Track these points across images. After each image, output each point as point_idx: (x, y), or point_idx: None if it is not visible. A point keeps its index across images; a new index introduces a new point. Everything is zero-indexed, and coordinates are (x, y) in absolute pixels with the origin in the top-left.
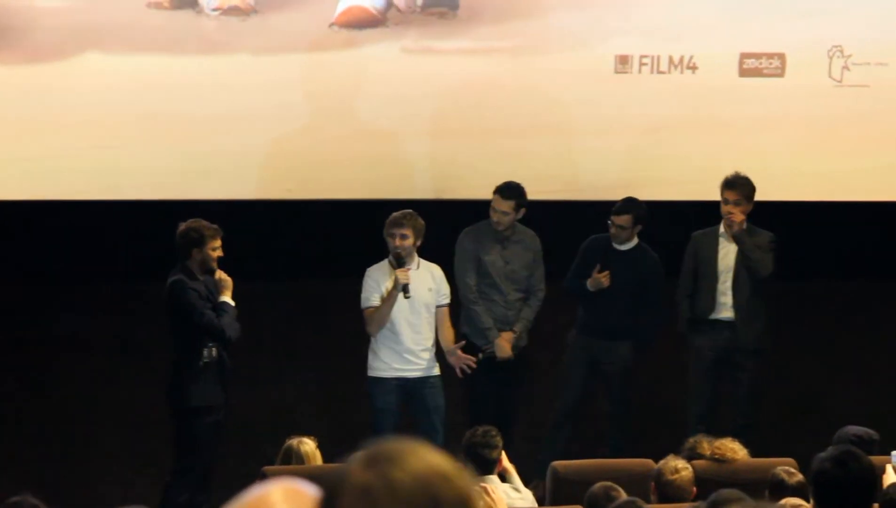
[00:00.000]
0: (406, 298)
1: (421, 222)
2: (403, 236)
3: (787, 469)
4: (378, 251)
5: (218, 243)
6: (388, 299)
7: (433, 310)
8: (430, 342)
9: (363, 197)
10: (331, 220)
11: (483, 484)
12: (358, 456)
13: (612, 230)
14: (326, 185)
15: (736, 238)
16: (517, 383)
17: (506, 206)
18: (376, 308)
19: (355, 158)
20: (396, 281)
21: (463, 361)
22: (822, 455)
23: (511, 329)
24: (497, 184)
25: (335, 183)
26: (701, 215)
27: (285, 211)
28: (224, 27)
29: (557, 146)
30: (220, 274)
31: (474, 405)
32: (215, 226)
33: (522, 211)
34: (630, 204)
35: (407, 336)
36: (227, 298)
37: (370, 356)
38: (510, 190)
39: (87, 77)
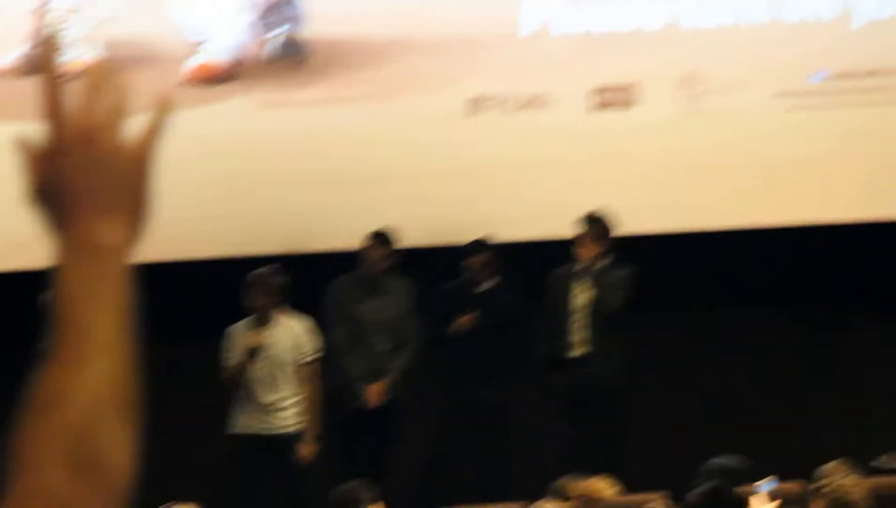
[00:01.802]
0: (251, 360)
1: (277, 280)
2: (260, 295)
3: (658, 503)
4: (242, 309)
5: None
6: (240, 361)
7: (291, 365)
8: (292, 398)
9: (226, 254)
10: (190, 279)
11: None
12: None
13: (470, 272)
14: (184, 243)
15: (578, 276)
16: (390, 433)
17: (378, 252)
18: (231, 369)
19: (213, 214)
20: (248, 345)
21: (305, 458)
22: (693, 492)
23: (381, 380)
24: (360, 232)
25: (193, 241)
26: (562, 250)
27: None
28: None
29: (415, 192)
30: None
31: (347, 458)
32: None
33: (395, 257)
34: (479, 244)
35: (266, 395)
36: None
37: (231, 415)
38: (382, 236)
39: None
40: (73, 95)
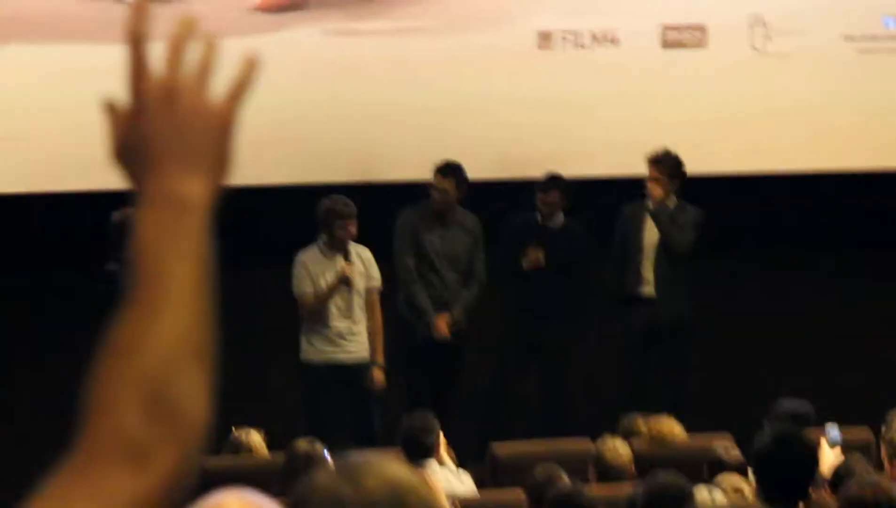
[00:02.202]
0: (347, 290)
1: (356, 210)
2: (352, 225)
3: (724, 445)
4: (306, 236)
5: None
6: (328, 292)
7: (363, 294)
8: (362, 326)
9: (291, 182)
10: (258, 205)
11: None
12: (326, 468)
13: (541, 208)
14: (253, 170)
15: (652, 214)
16: (455, 367)
17: (446, 184)
18: (313, 297)
19: (282, 143)
20: (341, 275)
21: (378, 384)
22: (762, 435)
23: (449, 312)
24: (426, 164)
25: (262, 168)
26: (630, 189)
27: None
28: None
29: (483, 125)
30: None
31: (411, 389)
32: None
33: (463, 190)
34: (556, 180)
35: (339, 321)
36: None
37: (302, 342)
38: (450, 168)
39: (8, 68)
40: (158, 54)
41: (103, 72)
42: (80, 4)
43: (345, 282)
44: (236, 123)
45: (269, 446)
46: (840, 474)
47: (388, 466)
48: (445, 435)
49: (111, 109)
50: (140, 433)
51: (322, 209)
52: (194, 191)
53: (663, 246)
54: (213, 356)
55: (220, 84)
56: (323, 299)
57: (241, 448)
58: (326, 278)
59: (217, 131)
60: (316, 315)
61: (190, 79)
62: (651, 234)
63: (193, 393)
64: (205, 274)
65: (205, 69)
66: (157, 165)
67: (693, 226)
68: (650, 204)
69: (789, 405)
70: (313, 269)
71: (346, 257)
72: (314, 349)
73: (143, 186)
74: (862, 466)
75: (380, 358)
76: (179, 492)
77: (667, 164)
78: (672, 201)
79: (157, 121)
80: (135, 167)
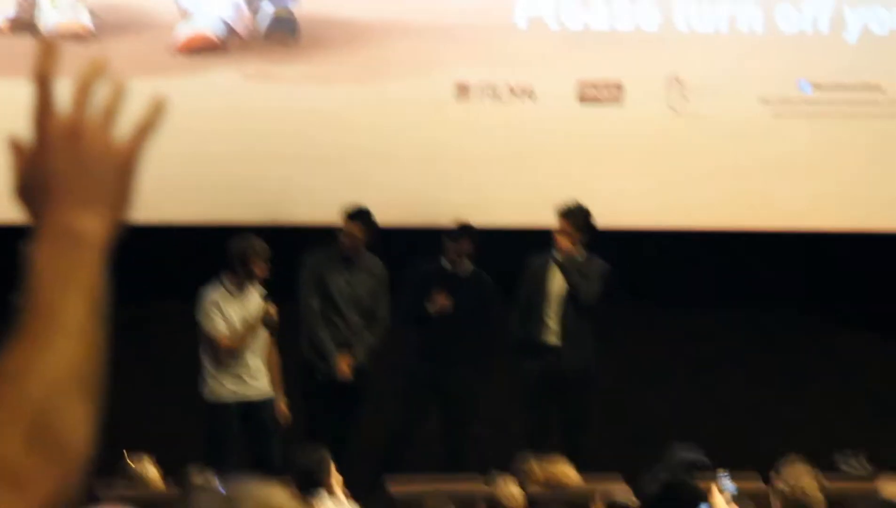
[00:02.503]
0: (271, 333)
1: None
2: (267, 262)
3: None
4: (208, 273)
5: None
6: (248, 331)
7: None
8: (264, 364)
9: (204, 219)
10: (168, 243)
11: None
12: (211, 492)
13: (450, 256)
14: (165, 208)
15: (560, 265)
16: (355, 407)
17: (355, 228)
18: (231, 338)
19: (196, 183)
20: (268, 319)
21: (285, 418)
22: (650, 481)
23: (351, 353)
24: (337, 208)
25: (174, 206)
26: (538, 239)
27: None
28: (63, 52)
29: (397, 173)
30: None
31: (311, 429)
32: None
33: (371, 234)
34: (467, 229)
35: (249, 359)
36: None
37: (209, 380)
38: (360, 213)
39: None
40: (63, 94)
41: (21, 107)
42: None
43: (269, 324)
44: (138, 163)
45: (162, 471)
46: None
47: (269, 493)
48: (342, 471)
49: (15, 145)
50: (21, 460)
51: (240, 247)
52: (91, 226)
53: (570, 297)
54: (100, 387)
55: (127, 124)
56: (241, 340)
57: (133, 475)
58: (235, 317)
59: (119, 170)
60: (231, 356)
61: (95, 118)
62: (556, 284)
63: (76, 423)
64: (97, 307)
65: (110, 109)
66: (56, 201)
67: (600, 278)
68: (558, 255)
69: (683, 451)
70: (224, 308)
71: (265, 297)
72: (224, 388)
73: (41, 220)
74: None
75: (282, 394)
76: None
77: (576, 217)
78: (581, 254)
79: (60, 158)
80: (35, 202)
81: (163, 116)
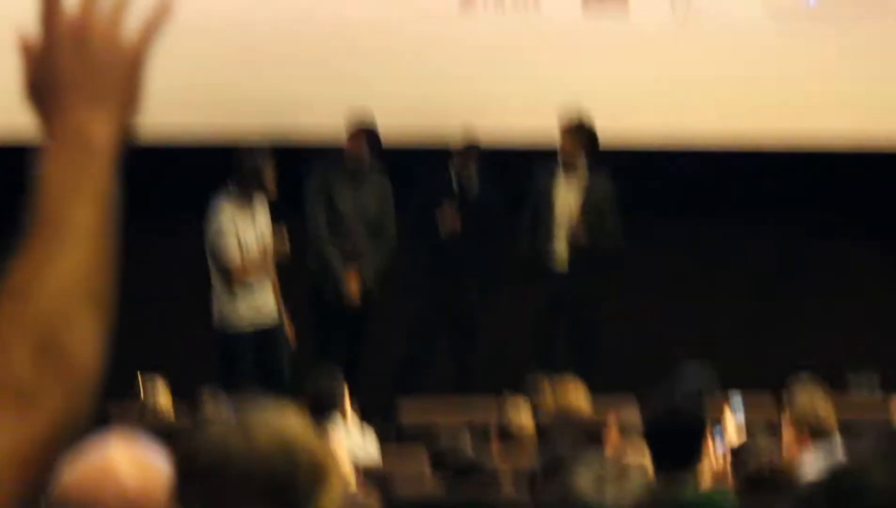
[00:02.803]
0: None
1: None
2: (263, 179)
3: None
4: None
5: None
6: (263, 261)
7: None
8: (271, 288)
9: (203, 132)
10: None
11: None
12: (220, 419)
13: (459, 173)
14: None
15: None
16: (364, 324)
17: (359, 144)
18: (246, 267)
19: (203, 93)
20: (280, 248)
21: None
22: (653, 404)
23: (359, 268)
24: (342, 122)
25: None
26: (545, 157)
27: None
28: None
29: (402, 86)
30: None
31: (322, 346)
32: None
33: (377, 151)
34: (474, 146)
35: (258, 285)
36: None
37: (226, 310)
38: (364, 130)
39: None
40: None
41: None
42: None
43: (281, 256)
44: (146, 63)
45: (174, 392)
46: (743, 450)
47: (282, 421)
48: (353, 392)
49: (23, 44)
50: (28, 375)
51: (252, 160)
52: (102, 131)
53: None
54: (109, 300)
55: (132, 25)
56: (256, 271)
57: (145, 398)
58: (247, 237)
59: (127, 69)
60: (242, 283)
61: (103, 17)
62: (563, 204)
63: (85, 339)
64: (107, 217)
65: (118, 9)
66: (66, 102)
67: (613, 211)
68: (561, 171)
69: (692, 371)
70: (237, 226)
71: (275, 222)
72: (240, 317)
73: (51, 122)
74: (765, 443)
75: (287, 315)
76: (67, 436)
77: (580, 131)
78: (583, 174)
79: (68, 57)
80: (45, 104)
81: (168, 17)
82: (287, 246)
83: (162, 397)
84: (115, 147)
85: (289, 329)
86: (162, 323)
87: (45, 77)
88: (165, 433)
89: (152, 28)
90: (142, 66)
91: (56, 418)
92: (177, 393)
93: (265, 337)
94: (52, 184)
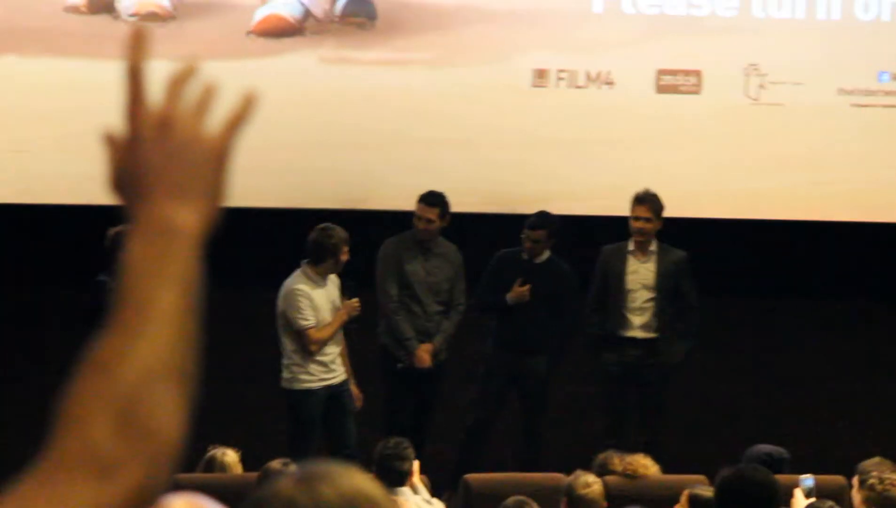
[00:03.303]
0: (352, 329)
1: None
2: (340, 253)
3: (701, 486)
4: (290, 261)
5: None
6: (337, 325)
7: None
8: (340, 349)
9: (277, 206)
10: (243, 228)
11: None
12: (287, 473)
13: (528, 244)
14: (241, 192)
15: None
16: (434, 395)
17: (431, 213)
18: (321, 330)
19: (270, 167)
20: (351, 312)
21: (359, 403)
22: (727, 469)
23: (430, 341)
24: (414, 195)
25: (249, 191)
26: (611, 230)
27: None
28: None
29: (473, 159)
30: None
31: (390, 415)
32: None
33: (447, 219)
34: (545, 218)
35: (332, 348)
36: None
37: (295, 369)
38: (435, 197)
39: (4, 80)
40: (156, 87)
41: (98, 87)
42: (76, 19)
43: (353, 322)
44: (230, 155)
45: (245, 467)
46: None
47: (349, 477)
48: (422, 463)
49: (109, 138)
50: (109, 447)
51: (328, 238)
52: (185, 219)
53: (658, 289)
54: (191, 378)
55: (216, 117)
56: (332, 335)
57: (215, 465)
58: (321, 306)
59: (211, 162)
60: (321, 348)
61: (187, 109)
62: (636, 276)
63: (167, 412)
64: (190, 301)
65: (202, 102)
66: (150, 193)
67: (688, 286)
68: (631, 245)
69: (764, 448)
70: (313, 298)
71: (346, 290)
72: (313, 377)
73: (135, 212)
74: None
75: (353, 377)
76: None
77: (654, 204)
78: (655, 248)
79: (152, 149)
80: (129, 194)
81: (253, 109)
82: (357, 311)
83: (232, 464)
84: (199, 234)
85: (354, 389)
86: (233, 394)
87: (129, 168)
88: (232, 493)
89: (236, 121)
90: (226, 158)
91: (135, 490)
92: (249, 466)
93: (334, 395)
94: (135, 267)
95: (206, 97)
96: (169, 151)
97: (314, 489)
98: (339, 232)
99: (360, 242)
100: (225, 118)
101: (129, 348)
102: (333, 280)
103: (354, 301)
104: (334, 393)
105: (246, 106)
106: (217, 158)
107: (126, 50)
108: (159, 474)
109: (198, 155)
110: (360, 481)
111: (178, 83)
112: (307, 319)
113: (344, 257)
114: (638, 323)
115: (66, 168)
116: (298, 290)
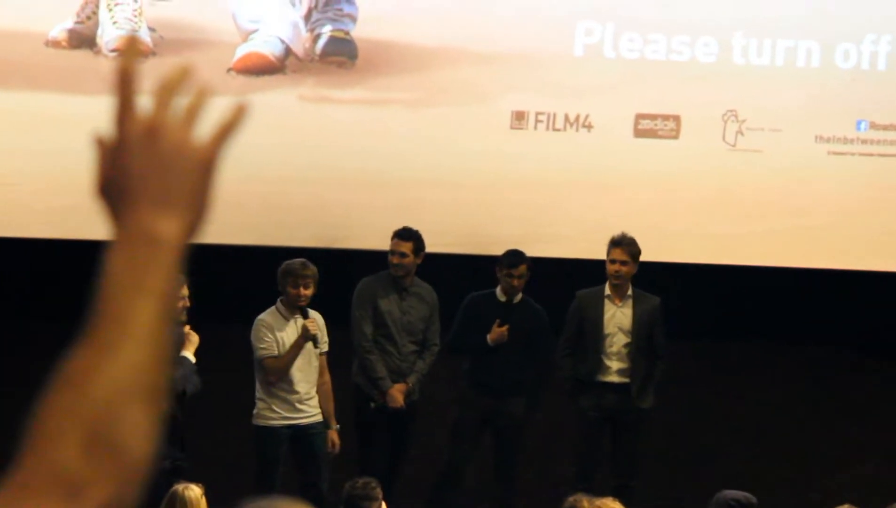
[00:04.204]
0: (316, 348)
1: (316, 270)
2: (306, 286)
3: None
4: (266, 297)
5: (184, 291)
6: (293, 350)
7: (316, 357)
8: (315, 389)
9: (253, 243)
10: (220, 265)
11: None
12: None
13: (514, 282)
14: (217, 229)
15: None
16: (406, 435)
17: (405, 247)
18: (278, 358)
19: (248, 204)
20: (305, 332)
21: (335, 448)
22: None
23: (404, 381)
24: (389, 233)
25: (226, 228)
26: (584, 273)
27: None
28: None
29: (450, 199)
30: (187, 329)
31: (364, 455)
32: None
33: (421, 256)
34: (520, 254)
35: (300, 385)
36: (188, 353)
37: (259, 405)
38: (409, 232)
39: None
40: (145, 96)
41: (78, 121)
42: (57, 54)
43: (309, 338)
44: (219, 165)
45: (209, 501)
46: None
47: None
48: (392, 503)
49: (99, 142)
50: (77, 467)
51: (281, 270)
52: (168, 229)
53: (634, 335)
54: (163, 397)
55: (203, 131)
56: (289, 362)
57: (177, 501)
58: (286, 339)
59: (198, 172)
60: (279, 378)
61: (176, 119)
62: (613, 320)
63: (137, 432)
64: (167, 313)
65: (192, 111)
66: (135, 201)
67: (662, 334)
68: (608, 289)
69: (732, 494)
70: (276, 330)
71: (304, 315)
72: (275, 414)
73: (119, 220)
74: None
75: (334, 421)
76: None
77: (631, 247)
78: (630, 293)
79: (139, 157)
80: (114, 202)
81: (243, 120)
82: (313, 331)
83: (196, 501)
84: (181, 247)
85: (332, 434)
86: (204, 426)
87: (115, 176)
88: None
89: (226, 131)
90: (213, 169)
91: None
92: (213, 499)
93: (300, 436)
94: (115, 278)
95: (197, 105)
96: (156, 159)
97: None
98: (292, 265)
99: (337, 280)
100: (215, 128)
101: (103, 363)
102: (313, 320)
103: (309, 321)
104: (301, 434)
105: (237, 116)
106: (205, 167)
107: (118, 55)
108: (128, 494)
109: (185, 164)
110: None
111: (167, 90)
112: (264, 348)
113: (295, 290)
114: (615, 368)
115: (47, 202)
116: (261, 320)
